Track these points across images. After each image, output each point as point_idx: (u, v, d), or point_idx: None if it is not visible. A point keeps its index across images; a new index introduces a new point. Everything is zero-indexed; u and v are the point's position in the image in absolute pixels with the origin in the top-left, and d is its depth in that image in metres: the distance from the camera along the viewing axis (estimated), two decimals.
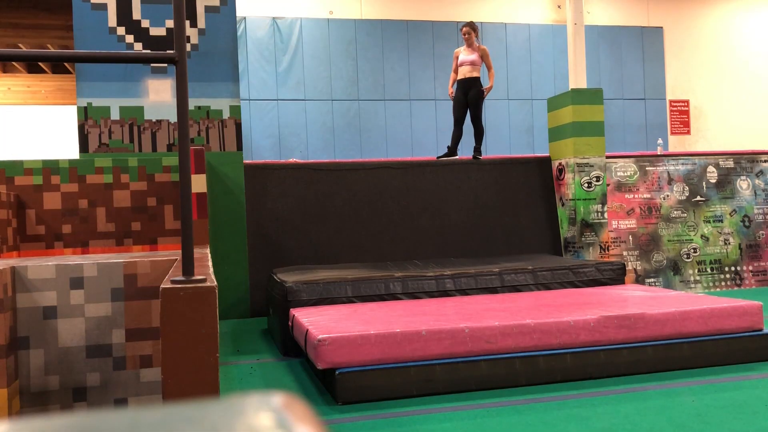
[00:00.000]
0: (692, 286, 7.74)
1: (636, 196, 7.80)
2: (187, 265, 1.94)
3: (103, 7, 6.44)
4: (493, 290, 5.56)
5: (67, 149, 11.34)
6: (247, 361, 4.87)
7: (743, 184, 8.13)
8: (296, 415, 0.29)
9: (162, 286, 1.87)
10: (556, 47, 11.55)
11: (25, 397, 2.55)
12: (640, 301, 4.64)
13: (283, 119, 10.62)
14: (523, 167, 7.95)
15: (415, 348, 3.78)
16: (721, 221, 7.97)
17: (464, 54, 7.72)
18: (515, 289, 5.61)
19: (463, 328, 3.88)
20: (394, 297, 5.31)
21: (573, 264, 5.99)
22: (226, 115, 6.71)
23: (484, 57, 7.74)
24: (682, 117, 12.19)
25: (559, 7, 11.62)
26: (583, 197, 7.49)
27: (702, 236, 7.88)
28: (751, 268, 7.97)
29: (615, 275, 5.96)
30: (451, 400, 3.67)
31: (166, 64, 5.96)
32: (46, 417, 0.31)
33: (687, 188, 7.95)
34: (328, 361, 3.67)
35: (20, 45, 9.12)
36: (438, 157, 7.84)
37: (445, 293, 5.45)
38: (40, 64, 11.07)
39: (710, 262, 7.86)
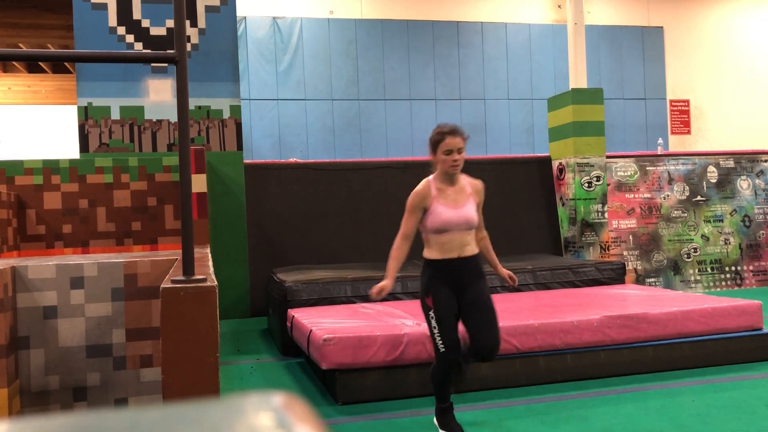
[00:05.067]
0: (692, 285, 7.74)
1: (636, 195, 7.79)
2: (188, 264, 1.94)
3: (104, 6, 6.44)
4: (492, 290, 5.55)
5: (68, 149, 11.33)
6: (247, 361, 4.87)
7: (743, 184, 8.12)
8: (296, 415, 0.29)
9: (162, 285, 1.87)
10: (556, 47, 11.54)
11: (26, 397, 2.55)
12: (642, 301, 4.64)
13: (284, 119, 10.62)
14: (523, 167, 7.94)
15: (421, 350, 3.77)
16: (722, 221, 7.96)
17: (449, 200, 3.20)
18: (515, 288, 5.61)
19: None
20: (394, 297, 5.30)
21: (573, 264, 5.99)
22: (226, 114, 6.70)
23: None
24: (682, 117, 12.19)
25: (559, 6, 11.61)
26: (583, 197, 7.48)
27: (702, 236, 7.88)
28: (751, 267, 7.97)
29: (615, 275, 5.96)
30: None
31: (166, 64, 5.96)
32: (46, 417, 0.31)
33: (687, 188, 7.95)
34: (333, 361, 3.66)
35: (20, 45, 9.12)
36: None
37: None
38: (40, 63, 11.07)
39: (710, 262, 7.85)
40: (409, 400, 3.69)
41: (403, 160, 7.85)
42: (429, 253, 3.12)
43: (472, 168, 7.75)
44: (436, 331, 3.01)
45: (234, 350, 5.23)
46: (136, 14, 6.51)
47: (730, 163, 8.13)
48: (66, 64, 10.75)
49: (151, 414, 0.29)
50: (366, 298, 5.24)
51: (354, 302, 5.17)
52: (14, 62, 10.78)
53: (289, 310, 4.86)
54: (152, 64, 6.50)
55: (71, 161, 5.18)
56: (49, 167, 5.09)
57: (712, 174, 8.04)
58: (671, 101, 12.16)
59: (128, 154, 6.35)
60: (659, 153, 8.23)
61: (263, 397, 0.31)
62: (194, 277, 1.90)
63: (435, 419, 3.20)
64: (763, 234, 8.07)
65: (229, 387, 4.08)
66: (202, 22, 6.64)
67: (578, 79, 10.15)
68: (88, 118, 6.40)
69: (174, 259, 2.72)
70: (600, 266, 5.97)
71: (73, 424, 0.28)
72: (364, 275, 5.47)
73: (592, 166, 7.52)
